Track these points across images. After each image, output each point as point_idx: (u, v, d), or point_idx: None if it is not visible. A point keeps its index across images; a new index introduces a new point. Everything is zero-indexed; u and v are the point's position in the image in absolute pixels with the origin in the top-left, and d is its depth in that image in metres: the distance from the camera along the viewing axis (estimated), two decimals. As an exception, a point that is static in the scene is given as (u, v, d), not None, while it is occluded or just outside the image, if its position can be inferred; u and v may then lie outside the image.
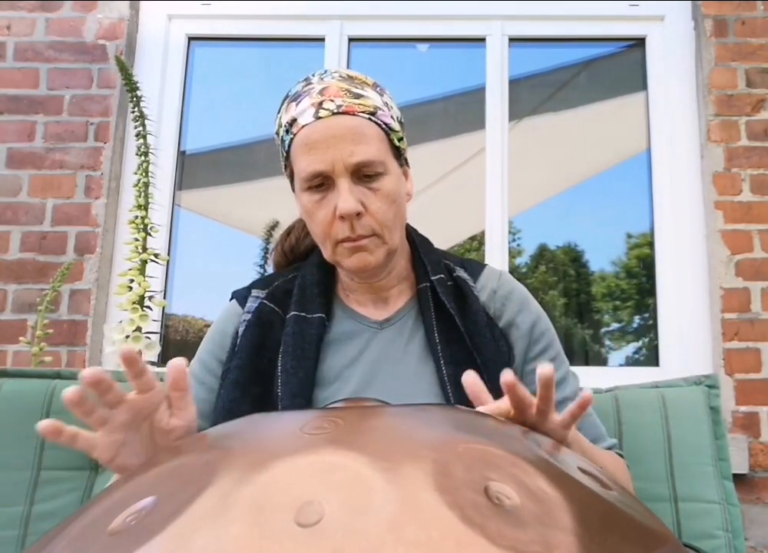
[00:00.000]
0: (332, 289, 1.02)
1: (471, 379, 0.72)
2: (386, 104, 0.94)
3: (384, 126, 0.92)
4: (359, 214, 0.88)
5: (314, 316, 0.96)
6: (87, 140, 2.07)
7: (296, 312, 0.96)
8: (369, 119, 0.90)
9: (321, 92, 0.90)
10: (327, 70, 0.95)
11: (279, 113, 0.96)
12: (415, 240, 1.03)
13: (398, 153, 0.96)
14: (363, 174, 0.89)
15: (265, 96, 2.42)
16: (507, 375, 0.65)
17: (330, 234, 0.91)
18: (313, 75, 0.94)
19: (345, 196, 0.87)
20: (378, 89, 0.95)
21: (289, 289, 1.00)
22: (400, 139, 0.96)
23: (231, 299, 1.03)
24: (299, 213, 0.98)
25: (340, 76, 0.93)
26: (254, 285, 1.03)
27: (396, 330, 0.98)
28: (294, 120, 0.91)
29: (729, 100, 2.03)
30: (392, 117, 0.94)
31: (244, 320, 0.98)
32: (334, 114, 0.89)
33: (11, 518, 1.13)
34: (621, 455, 1.01)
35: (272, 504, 0.36)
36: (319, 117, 0.89)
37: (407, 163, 0.99)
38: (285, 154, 0.95)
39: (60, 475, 1.16)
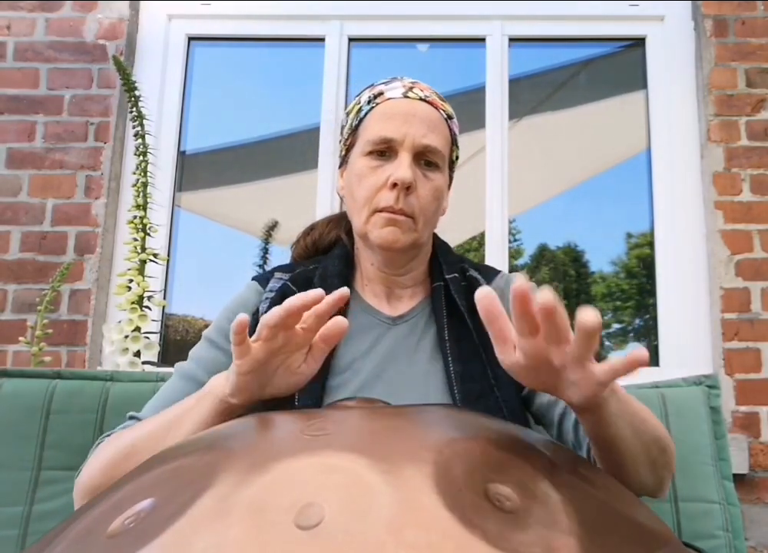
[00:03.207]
0: (350, 281, 1.04)
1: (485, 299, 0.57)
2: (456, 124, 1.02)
3: (452, 133, 1.00)
4: (408, 188, 0.92)
5: None
6: (87, 140, 2.07)
7: None
8: (446, 120, 0.98)
9: (412, 82, 0.99)
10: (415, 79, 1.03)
11: (358, 96, 1.02)
12: (436, 244, 1.07)
13: (452, 166, 1.03)
14: (425, 160, 0.95)
15: (265, 96, 2.42)
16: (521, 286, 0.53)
17: (373, 201, 0.94)
18: (402, 77, 1.01)
19: (406, 167, 0.92)
20: (451, 109, 1.02)
21: (310, 277, 1.02)
22: (456, 157, 1.04)
23: (251, 281, 1.05)
24: (339, 190, 1.04)
25: (425, 84, 1.01)
26: (277, 269, 1.05)
27: (409, 327, 1.00)
28: (381, 93, 0.98)
29: (729, 101, 2.02)
30: (457, 134, 1.02)
31: (267, 298, 0.99)
32: (421, 99, 0.96)
33: (11, 518, 1.13)
34: None
35: (272, 506, 0.36)
36: (407, 97, 0.96)
37: (450, 183, 1.05)
38: (356, 124, 1.00)
39: (60, 475, 1.16)
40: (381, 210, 0.93)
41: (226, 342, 0.98)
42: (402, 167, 0.92)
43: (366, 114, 0.98)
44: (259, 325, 0.73)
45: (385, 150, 0.94)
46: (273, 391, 0.79)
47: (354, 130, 1.00)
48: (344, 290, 0.74)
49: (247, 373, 0.74)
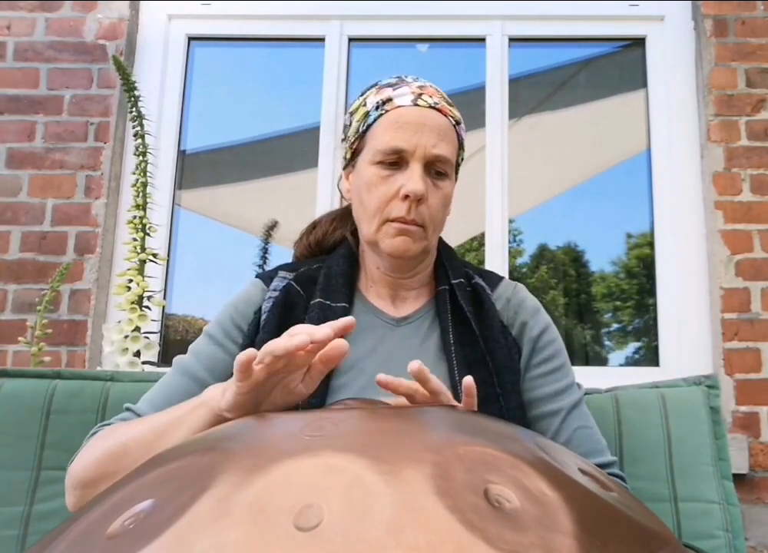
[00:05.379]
0: (354, 282, 1.04)
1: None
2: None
3: (460, 139, 1.00)
4: (420, 200, 0.92)
5: (337, 305, 0.98)
6: (87, 140, 2.07)
7: (320, 300, 0.98)
8: (454, 126, 0.98)
9: (420, 87, 0.97)
10: (418, 77, 1.01)
11: (362, 96, 1.00)
12: (440, 248, 1.07)
13: (457, 169, 1.02)
14: (435, 169, 0.95)
15: (265, 96, 2.42)
16: (413, 365, 0.70)
17: (384, 211, 0.94)
18: (406, 76, 1.00)
19: (417, 178, 0.92)
20: (458, 112, 1.01)
21: (315, 276, 1.02)
22: (462, 159, 1.03)
23: (255, 279, 1.04)
24: (344, 192, 1.03)
25: (432, 86, 1.00)
26: (281, 267, 1.05)
27: (413, 329, 1.00)
28: (390, 100, 0.96)
29: (729, 101, 2.02)
30: (464, 138, 1.02)
31: (270, 297, 0.99)
32: (431, 106, 0.95)
33: (11, 518, 1.13)
34: (620, 477, 0.96)
35: (271, 507, 0.36)
36: (417, 105, 0.95)
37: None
38: (363, 130, 0.98)
39: (60, 475, 1.15)
40: (393, 220, 0.93)
41: (226, 339, 0.99)
42: (413, 179, 0.92)
43: (375, 120, 0.96)
44: (262, 351, 0.70)
45: (396, 161, 0.93)
46: (268, 408, 0.76)
47: (362, 135, 0.98)
48: (350, 320, 0.71)
49: (246, 394, 0.73)
